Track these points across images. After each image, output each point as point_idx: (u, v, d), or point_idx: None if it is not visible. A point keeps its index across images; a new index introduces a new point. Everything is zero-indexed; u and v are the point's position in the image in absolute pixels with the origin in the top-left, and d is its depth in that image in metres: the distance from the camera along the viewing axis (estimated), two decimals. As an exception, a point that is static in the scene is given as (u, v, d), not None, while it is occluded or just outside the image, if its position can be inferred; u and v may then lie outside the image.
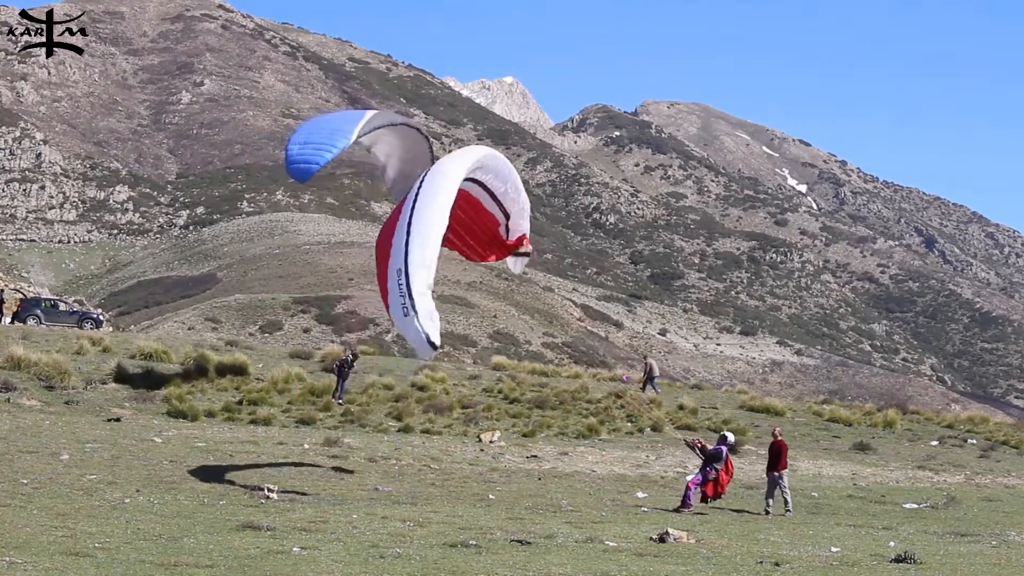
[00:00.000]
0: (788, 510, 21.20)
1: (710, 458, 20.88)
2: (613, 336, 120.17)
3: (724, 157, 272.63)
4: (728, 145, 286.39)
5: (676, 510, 20.43)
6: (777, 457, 21.67)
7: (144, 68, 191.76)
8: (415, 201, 18.88)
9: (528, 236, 22.64)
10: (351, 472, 23.01)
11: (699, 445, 21.28)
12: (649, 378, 40.04)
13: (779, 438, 22.17)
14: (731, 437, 21.96)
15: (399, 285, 17.98)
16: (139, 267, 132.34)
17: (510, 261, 23.08)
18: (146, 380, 32.17)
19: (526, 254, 22.82)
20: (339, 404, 32.89)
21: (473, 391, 37.02)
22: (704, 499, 20.95)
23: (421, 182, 19.37)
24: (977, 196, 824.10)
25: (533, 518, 18.04)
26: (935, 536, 18.36)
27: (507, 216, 22.28)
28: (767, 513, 21.00)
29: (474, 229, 22.14)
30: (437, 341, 17.81)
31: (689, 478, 21.24)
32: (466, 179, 20.36)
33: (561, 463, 27.26)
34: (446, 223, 18.88)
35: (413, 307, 17.75)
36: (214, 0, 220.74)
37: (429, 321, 17.82)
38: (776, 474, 21.55)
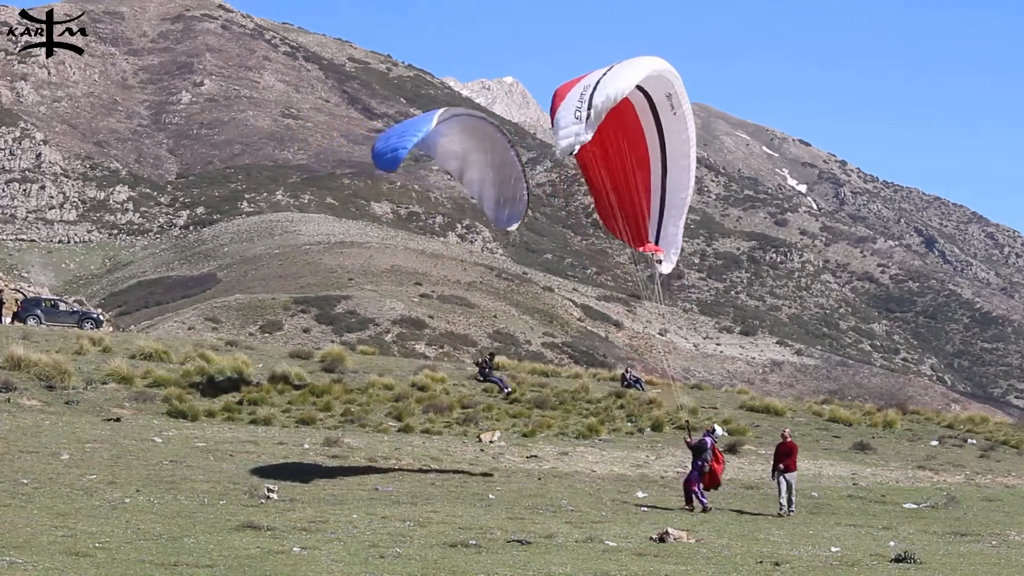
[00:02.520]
0: (791, 510, 21.15)
1: (696, 451, 21.15)
2: (613, 336, 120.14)
3: (724, 157, 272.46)
4: (728, 145, 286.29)
5: (691, 511, 20.68)
6: (786, 457, 21.55)
7: (144, 68, 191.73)
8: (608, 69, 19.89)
9: (671, 247, 21.47)
10: (490, 476, 23.39)
11: (688, 439, 21.73)
12: (632, 382, 40.08)
13: (788, 438, 22.04)
14: (719, 430, 22.16)
15: (581, 95, 19.19)
16: (139, 267, 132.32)
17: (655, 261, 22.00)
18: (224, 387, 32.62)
19: (659, 260, 21.81)
20: (507, 393, 35.68)
21: (473, 391, 36.99)
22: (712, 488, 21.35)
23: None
24: (977, 196, 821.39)
25: (533, 518, 18.04)
26: (935, 536, 18.35)
27: (663, 197, 21.27)
28: (781, 514, 20.94)
29: (620, 178, 21.43)
30: (575, 150, 19.22)
31: (686, 479, 21.33)
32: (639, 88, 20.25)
33: (561, 463, 27.25)
34: (630, 88, 19.71)
35: (587, 117, 18.93)
36: (214, 0, 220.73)
37: (581, 134, 19.06)
38: (785, 474, 21.39)
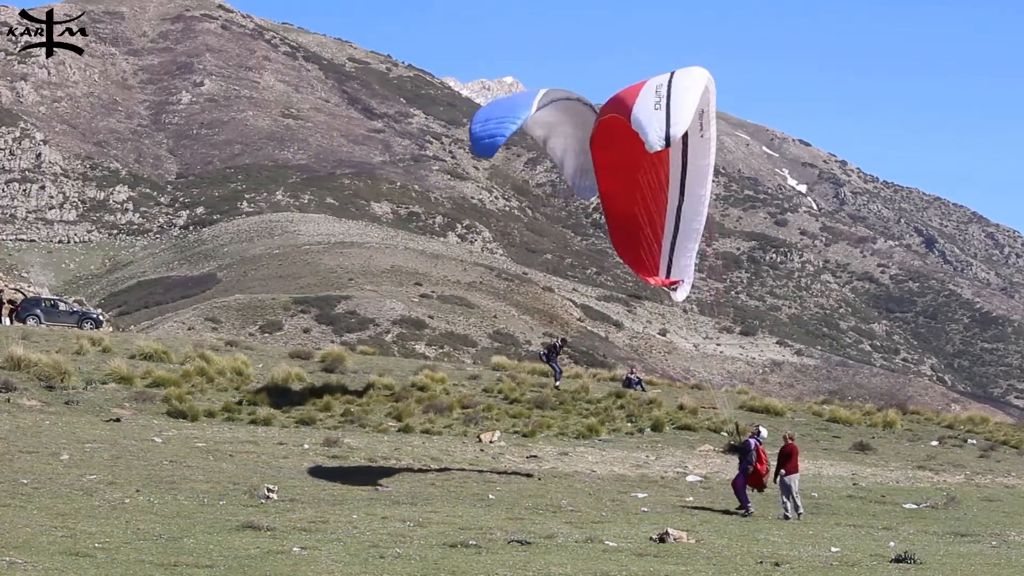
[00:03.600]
0: (800, 514, 21.03)
1: (740, 453, 21.50)
2: (613, 336, 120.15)
3: (724, 157, 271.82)
4: (728, 145, 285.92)
5: (739, 512, 20.95)
6: (787, 460, 21.50)
7: (144, 68, 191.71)
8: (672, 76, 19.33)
9: (682, 276, 21.27)
10: (532, 477, 23.69)
11: (732, 442, 22.21)
12: (633, 382, 40.09)
13: (791, 441, 21.96)
14: (764, 432, 22.28)
15: (655, 91, 18.61)
16: (139, 267, 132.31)
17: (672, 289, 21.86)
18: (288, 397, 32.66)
19: (673, 289, 21.81)
20: (556, 388, 36.07)
21: (473, 391, 36.98)
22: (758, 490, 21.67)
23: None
24: (977, 196, 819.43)
25: (533, 518, 18.04)
26: (935, 536, 18.35)
27: (677, 225, 20.80)
28: (785, 517, 20.88)
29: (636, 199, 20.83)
30: (676, 134, 18.20)
31: (733, 481, 21.63)
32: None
33: (561, 463, 27.24)
34: (699, 97, 19.17)
35: (667, 106, 18.31)
36: (214, 0, 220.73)
37: (679, 118, 18.23)
38: (786, 477, 21.35)
